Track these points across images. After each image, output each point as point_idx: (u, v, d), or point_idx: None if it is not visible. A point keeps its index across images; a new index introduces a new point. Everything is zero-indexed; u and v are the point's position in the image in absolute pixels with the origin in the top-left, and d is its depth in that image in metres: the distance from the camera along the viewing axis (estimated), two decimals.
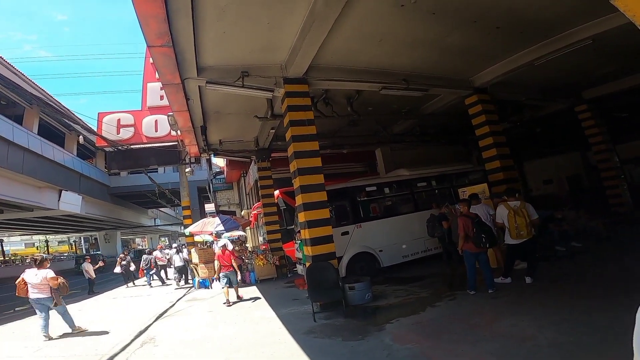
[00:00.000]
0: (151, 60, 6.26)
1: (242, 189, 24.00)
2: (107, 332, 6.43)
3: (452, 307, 5.31)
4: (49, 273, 6.09)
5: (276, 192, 11.61)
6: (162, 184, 20.17)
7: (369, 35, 6.08)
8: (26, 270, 6.27)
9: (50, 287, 6.07)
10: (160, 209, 37.07)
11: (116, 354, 5.06)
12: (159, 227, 39.38)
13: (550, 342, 3.43)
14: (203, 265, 11.32)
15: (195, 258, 11.66)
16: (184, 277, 13.01)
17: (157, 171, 24.83)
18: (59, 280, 6.11)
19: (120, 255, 15.69)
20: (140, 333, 6.20)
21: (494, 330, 4.07)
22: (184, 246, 16.82)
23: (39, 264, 6.23)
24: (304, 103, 6.81)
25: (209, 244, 14.87)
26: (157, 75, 6.56)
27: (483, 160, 8.88)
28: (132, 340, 5.75)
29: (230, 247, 9.91)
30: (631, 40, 6.01)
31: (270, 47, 6.17)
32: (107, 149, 15.16)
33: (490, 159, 8.50)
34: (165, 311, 8.14)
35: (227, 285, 8.02)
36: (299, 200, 6.63)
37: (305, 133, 6.70)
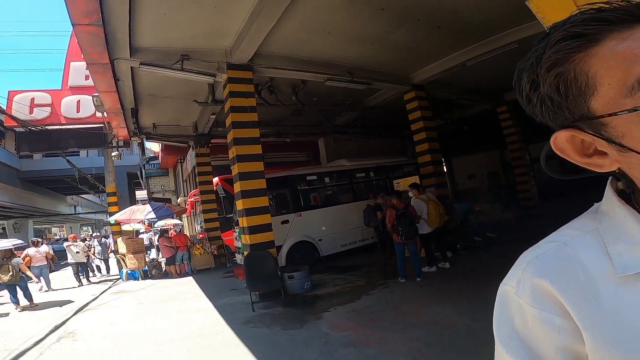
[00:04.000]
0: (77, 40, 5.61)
1: (178, 175, 22.80)
2: (19, 327, 5.88)
3: (384, 295, 5.65)
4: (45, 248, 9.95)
5: (215, 179, 11.28)
6: (85, 169, 18.30)
7: (318, 26, 6.07)
8: (27, 249, 9.45)
9: (47, 257, 9.79)
10: (81, 195, 33.76)
11: (28, 349, 4.64)
12: (80, 215, 35.94)
13: (468, 329, 3.78)
14: (132, 255, 10.57)
15: (122, 248, 10.85)
16: (84, 273, 11.20)
17: (78, 154, 22.52)
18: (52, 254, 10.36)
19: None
20: (57, 327, 5.74)
21: (421, 317, 4.42)
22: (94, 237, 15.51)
23: (36, 244, 9.82)
24: (246, 90, 6.65)
25: (141, 233, 14.03)
26: (82, 55, 5.95)
27: (416, 154, 9.42)
28: (47, 335, 5.31)
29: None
30: None
31: (215, 32, 5.90)
32: (17, 130, 13.40)
33: (422, 153, 9.03)
34: (87, 304, 7.59)
35: (179, 264, 10.25)
36: (237, 187, 6.53)
37: (246, 120, 6.57)
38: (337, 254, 9.15)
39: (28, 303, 7.88)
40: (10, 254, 7.79)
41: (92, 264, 12.64)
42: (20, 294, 7.73)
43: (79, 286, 10.51)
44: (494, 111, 12.74)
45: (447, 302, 4.78)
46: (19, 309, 7.66)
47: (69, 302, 8.17)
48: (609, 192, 0.53)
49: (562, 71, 0.45)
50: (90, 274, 12.09)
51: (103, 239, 13.86)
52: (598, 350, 0.45)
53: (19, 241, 9.07)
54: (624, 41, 0.42)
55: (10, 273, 7.44)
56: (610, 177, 0.53)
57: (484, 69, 8.81)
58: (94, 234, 15.17)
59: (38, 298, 8.45)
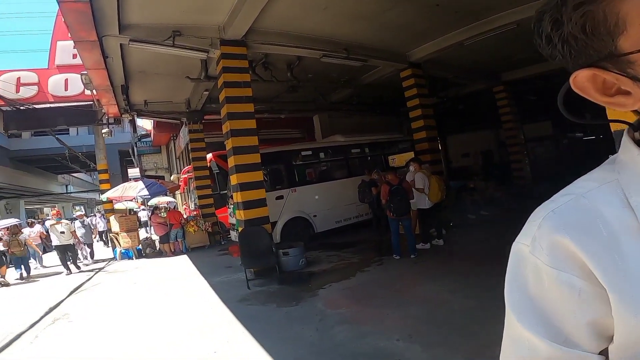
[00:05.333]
0: (63, 19, 5.45)
1: (171, 152, 22.56)
2: (13, 309, 5.89)
3: (379, 272, 5.73)
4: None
5: (209, 156, 11.20)
6: (75, 147, 18.03)
7: (313, 2, 5.88)
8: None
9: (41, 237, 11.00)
10: (73, 174, 33.36)
11: (23, 332, 4.67)
12: (71, 194, 35.62)
13: (461, 307, 3.86)
14: (125, 234, 10.52)
15: (115, 226, 10.78)
16: (71, 259, 9.57)
17: (68, 133, 22.12)
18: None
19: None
20: (51, 309, 5.75)
21: (416, 294, 4.50)
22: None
23: (31, 225, 10.27)
24: (240, 65, 6.50)
25: (134, 212, 13.92)
26: (69, 34, 5.76)
27: (412, 131, 9.42)
28: (42, 317, 5.33)
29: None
30: None
31: (208, 8, 5.69)
32: (4, 109, 13.13)
33: (418, 130, 9.04)
34: (81, 285, 7.59)
35: (173, 242, 10.31)
36: (232, 162, 6.49)
37: (240, 95, 6.46)
38: (332, 231, 9.22)
39: (26, 275, 9.15)
40: (18, 230, 9.30)
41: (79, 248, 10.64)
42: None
43: (67, 274, 9.04)
44: (490, 91, 12.76)
45: (441, 280, 4.85)
46: (23, 281, 8.95)
47: (62, 281, 8.20)
48: (627, 142, 0.50)
49: (590, 10, 0.43)
50: (81, 257, 10.73)
51: (87, 219, 12.27)
52: (625, 315, 0.42)
53: (17, 220, 10.28)
54: None
55: (20, 248, 8.91)
56: (627, 127, 0.51)
57: (482, 49, 8.73)
58: (77, 214, 12.56)
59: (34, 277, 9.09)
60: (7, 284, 8.58)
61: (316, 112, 13.13)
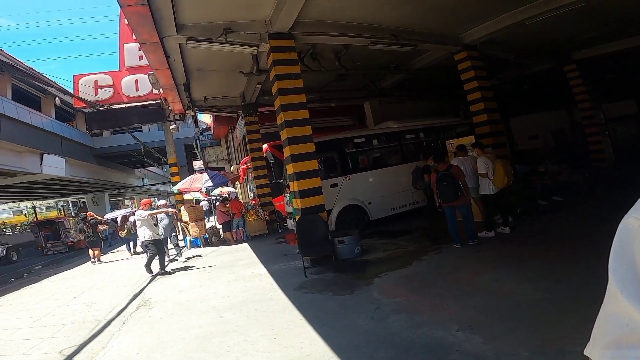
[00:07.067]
0: (126, 22, 6.00)
1: (230, 144, 23.75)
2: (105, 297, 6.53)
3: (437, 261, 5.53)
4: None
5: (264, 146, 11.55)
6: (147, 143, 19.75)
7: None
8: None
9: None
10: (147, 168, 36.53)
11: (113, 319, 5.15)
12: (147, 186, 39.12)
13: (528, 299, 3.60)
14: (193, 223, 11.32)
15: (185, 216, 11.67)
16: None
17: (141, 130, 24.23)
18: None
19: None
20: (135, 296, 6.30)
21: (476, 284, 4.27)
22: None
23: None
24: (289, 57, 6.60)
25: (200, 202, 14.91)
26: (133, 36, 6.25)
27: (470, 114, 9.00)
28: (128, 304, 5.83)
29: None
30: (620, 6, 5.90)
31: (254, 3, 5.86)
32: (86, 110, 14.79)
33: (478, 113, 8.65)
34: (158, 273, 8.25)
35: (235, 230, 10.88)
36: (287, 152, 6.64)
37: (292, 87, 6.58)
38: (387, 218, 9.07)
39: (133, 251, 12.33)
40: (126, 219, 12.44)
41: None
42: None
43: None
44: (559, 70, 11.98)
45: (506, 270, 4.56)
46: (132, 253, 12.25)
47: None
48: None
49: None
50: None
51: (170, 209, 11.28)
52: None
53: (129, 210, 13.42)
54: None
55: (126, 231, 12.16)
56: None
57: (546, 28, 8.12)
58: (160, 203, 11.42)
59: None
60: (101, 262, 11.35)
61: (366, 99, 12.96)
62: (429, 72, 10.81)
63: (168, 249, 9.05)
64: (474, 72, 8.55)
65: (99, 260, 11.40)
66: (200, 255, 9.59)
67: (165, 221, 9.05)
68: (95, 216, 12.38)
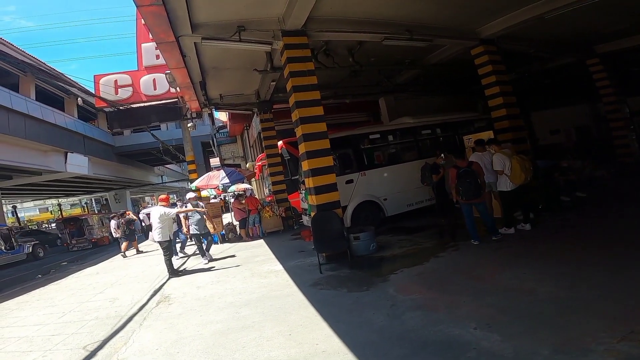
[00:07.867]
0: (143, 22, 6.17)
1: (245, 141, 23.99)
2: (127, 293, 6.66)
3: (455, 258, 5.44)
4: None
5: (280, 143, 11.60)
6: (165, 141, 20.23)
7: None
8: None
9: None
10: (166, 166, 37.43)
11: (134, 315, 5.26)
12: (166, 184, 40.01)
13: (549, 297, 3.50)
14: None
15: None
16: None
17: (159, 128, 24.78)
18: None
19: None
20: (155, 292, 6.41)
21: (495, 282, 4.17)
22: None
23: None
24: (303, 54, 6.61)
25: (219, 198, 15.12)
26: (150, 36, 6.37)
27: (489, 109, 8.82)
28: (148, 300, 5.93)
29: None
30: None
31: (266, 0, 5.89)
32: (107, 110, 15.24)
33: (497, 108, 8.49)
34: (177, 268, 8.38)
35: (251, 227, 10.94)
36: (302, 148, 6.66)
37: (306, 83, 6.59)
38: (403, 214, 8.99)
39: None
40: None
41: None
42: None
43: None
44: (582, 64, 11.68)
45: (526, 267, 4.44)
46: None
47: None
48: None
49: None
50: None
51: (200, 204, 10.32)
52: None
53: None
54: None
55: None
56: None
57: (567, 22, 7.93)
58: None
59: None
60: (124, 256, 11.60)
61: (381, 94, 12.88)
62: (445, 67, 10.66)
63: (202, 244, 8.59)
64: (492, 67, 8.40)
65: (137, 250, 12.26)
66: (217, 252, 9.64)
67: (198, 216, 8.54)
68: (132, 215, 12.89)
